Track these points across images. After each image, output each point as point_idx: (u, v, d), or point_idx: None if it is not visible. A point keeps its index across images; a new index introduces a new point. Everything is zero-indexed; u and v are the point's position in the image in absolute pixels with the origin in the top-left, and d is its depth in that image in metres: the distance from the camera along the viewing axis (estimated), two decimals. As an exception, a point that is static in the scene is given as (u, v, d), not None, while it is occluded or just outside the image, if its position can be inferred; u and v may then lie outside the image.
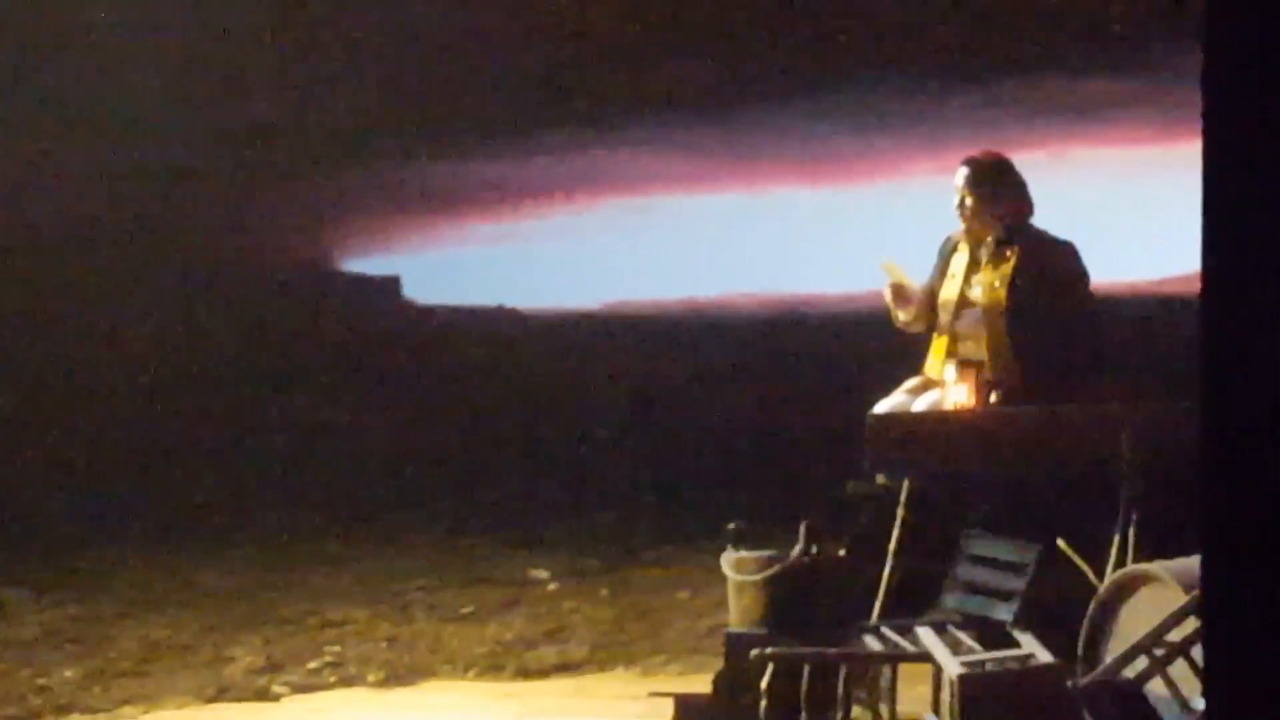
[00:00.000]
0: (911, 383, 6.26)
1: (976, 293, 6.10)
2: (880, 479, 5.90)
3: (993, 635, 5.13)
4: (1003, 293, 6.04)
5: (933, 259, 6.35)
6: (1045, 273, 6.06)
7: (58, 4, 11.84)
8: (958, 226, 6.21)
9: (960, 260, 6.19)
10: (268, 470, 12.78)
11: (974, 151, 6.25)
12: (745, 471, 11.62)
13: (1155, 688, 4.77)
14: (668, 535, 9.75)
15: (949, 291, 6.18)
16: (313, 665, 7.10)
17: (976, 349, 6.07)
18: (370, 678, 6.90)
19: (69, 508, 11.23)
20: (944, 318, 6.18)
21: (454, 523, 10.58)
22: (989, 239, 6.11)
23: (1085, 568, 5.32)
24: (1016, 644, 5.01)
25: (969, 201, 6.12)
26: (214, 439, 14.12)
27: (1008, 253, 6.08)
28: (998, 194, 6.12)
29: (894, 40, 14.65)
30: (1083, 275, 6.14)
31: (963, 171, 6.16)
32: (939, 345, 6.23)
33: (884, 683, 5.20)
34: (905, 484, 5.70)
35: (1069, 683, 4.84)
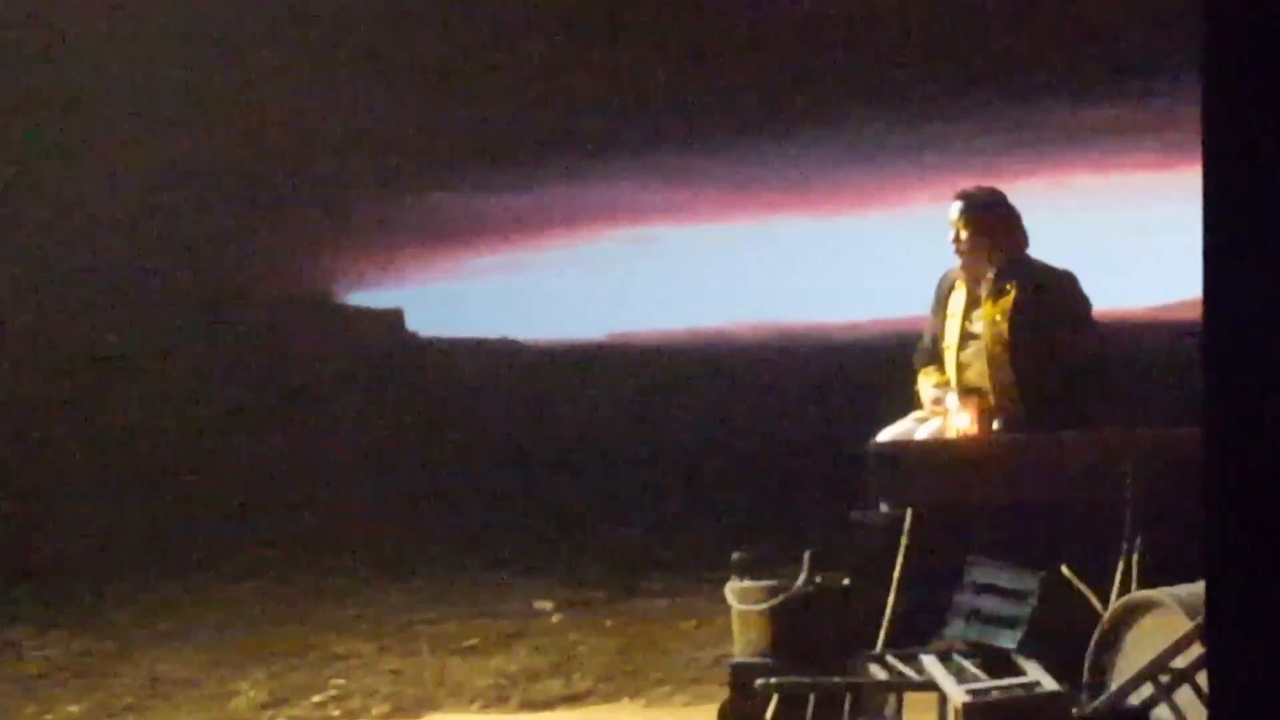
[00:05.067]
0: (917, 412, 6.27)
1: (978, 327, 6.11)
2: (884, 507, 5.90)
3: (997, 663, 5.12)
4: (1004, 326, 6.04)
5: (932, 286, 6.35)
6: (1046, 304, 6.06)
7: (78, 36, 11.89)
8: (956, 258, 6.22)
9: (958, 299, 6.19)
10: (271, 501, 12.77)
11: (965, 187, 6.25)
12: (749, 500, 11.62)
13: (1160, 714, 4.76)
14: (672, 565, 9.73)
15: (950, 330, 6.19)
16: (317, 699, 7.08)
17: (979, 378, 6.08)
18: (375, 711, 6.89)
19: (72, 542, 11.22)
20: (946, 355, 6.19)
21: (458, 554, 10.57)
22: (988, 274, 6.12)
23: (1089, 594, 5.31)
24: (1021, 671, 5.01)
25: (964, 238, 6.13)
26: (217, 470, 14.12)
27: (1007, 286, 6.08)
28: (992, 228, 6.12)
29: (893, 71, 14.70)
30: (1084, 304, 6.14)
31: (956, 208, 6.16)
32: (926, 375, 6.25)
33: (889, 711, 5.20)
34: (909, 512, 5.70)
35: (1074, 710, 4.83)
